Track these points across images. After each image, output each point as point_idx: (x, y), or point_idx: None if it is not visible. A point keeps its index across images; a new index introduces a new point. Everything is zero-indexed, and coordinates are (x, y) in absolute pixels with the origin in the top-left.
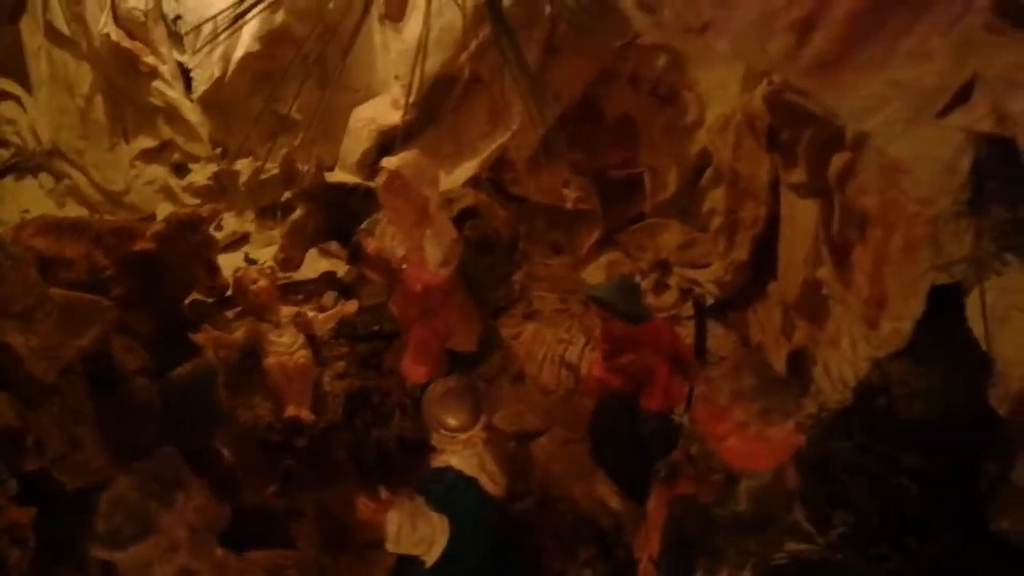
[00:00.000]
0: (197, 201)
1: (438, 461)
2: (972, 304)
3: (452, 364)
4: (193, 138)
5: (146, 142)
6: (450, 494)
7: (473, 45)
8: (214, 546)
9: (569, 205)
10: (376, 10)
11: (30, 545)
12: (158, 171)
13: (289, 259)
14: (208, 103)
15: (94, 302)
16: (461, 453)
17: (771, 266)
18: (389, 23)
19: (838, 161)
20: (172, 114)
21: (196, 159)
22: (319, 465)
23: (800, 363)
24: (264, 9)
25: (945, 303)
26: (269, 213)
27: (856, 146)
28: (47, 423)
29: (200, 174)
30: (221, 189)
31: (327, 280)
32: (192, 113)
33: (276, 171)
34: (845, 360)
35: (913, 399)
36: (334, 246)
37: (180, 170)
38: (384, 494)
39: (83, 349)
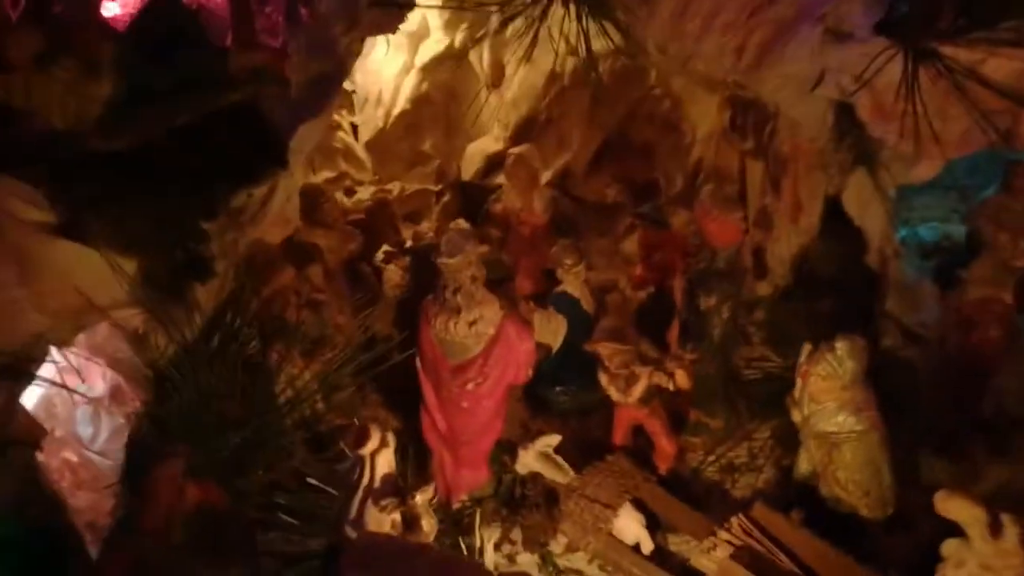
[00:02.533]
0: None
1: (559, 289)
2: (848, 199)
3: None
4: (361, 169)
5: (327, 174)
6: (567, 305)
7: (548, 98)
8: None
9: (610, 200)
10: (484, 80)
11: None
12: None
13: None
14: (371, 145)
15: None
16: (572, 283)
17: None
18: (492, 88)
19: (769, 126)
20: (348, 153)
21: (361, 183)
22: None
23: (760, 254)
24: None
25: (835, 205)
26: (410, 218)
27: (775, 116)
28: None
29: (364, 193)
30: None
31: None
32: (361, 152)
33: (416, 188)
34: (783, 247)
35: (825, 263)
36: None
37: (350, 193)
38: (532, 305)
39: None
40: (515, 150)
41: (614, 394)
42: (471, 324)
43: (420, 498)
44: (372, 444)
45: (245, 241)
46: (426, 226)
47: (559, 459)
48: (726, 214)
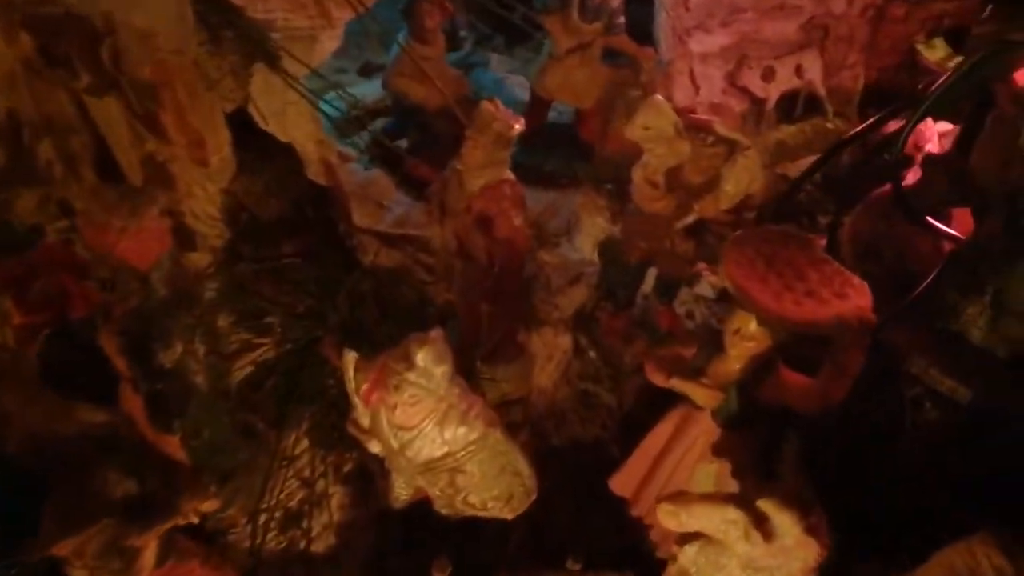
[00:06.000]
0: None
1: None
2: (258, 112)
3: None
4: None
5: None
6: None
7: None
8: None
9: None
10: None
11: None
12: None
13: None
14: None
15: None
16: None
17: None
18: None
19: (105, 49)
20: None
21: None
22: None
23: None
24: None
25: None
26: None
27: (110, 32)
28: None
29: None
30: None
31: None
32: None
33: None
34: (199, 203)
35: (265, 203)
36: None
37: None
38: None
39: None
40: None
41: None
42: None
43: None
44: None
45: None
46: None
47: None
48: (140, 220)
